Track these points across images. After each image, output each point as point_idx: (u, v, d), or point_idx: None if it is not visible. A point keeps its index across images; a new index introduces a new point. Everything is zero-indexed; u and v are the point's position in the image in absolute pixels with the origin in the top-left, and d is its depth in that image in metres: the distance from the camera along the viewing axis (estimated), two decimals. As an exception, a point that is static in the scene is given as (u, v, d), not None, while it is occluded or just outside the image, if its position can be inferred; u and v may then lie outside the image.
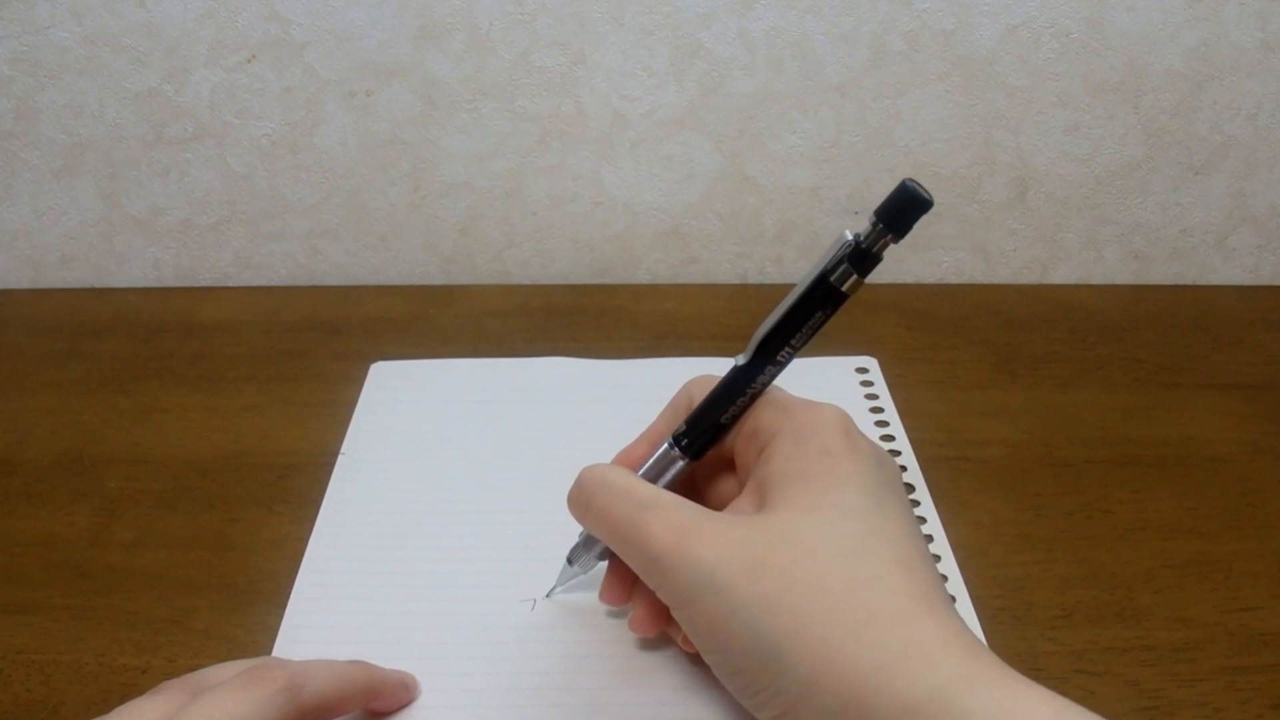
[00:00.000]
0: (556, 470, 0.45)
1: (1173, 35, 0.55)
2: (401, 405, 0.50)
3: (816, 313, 0.32)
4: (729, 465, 0.36)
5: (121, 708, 0.29)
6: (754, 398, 0.34)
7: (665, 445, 0.35)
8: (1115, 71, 0.56)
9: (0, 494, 0.45)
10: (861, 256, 0.30)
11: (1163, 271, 0.62)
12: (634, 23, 0.55)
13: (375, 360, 0.53)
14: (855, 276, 0.31)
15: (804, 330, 0.32)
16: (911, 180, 0.29)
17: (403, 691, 0.35)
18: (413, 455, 0.47)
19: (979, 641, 0.28)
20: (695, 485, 0.37)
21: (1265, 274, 0.62)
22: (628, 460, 0.36)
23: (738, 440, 0.34)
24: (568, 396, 0.50)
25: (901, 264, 0.61)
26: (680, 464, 0.35)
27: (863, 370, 0.51)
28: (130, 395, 0.52)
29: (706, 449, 0.35)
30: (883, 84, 0.56)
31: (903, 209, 0.29)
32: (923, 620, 0.27)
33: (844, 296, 0.31)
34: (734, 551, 0.29)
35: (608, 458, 0.43)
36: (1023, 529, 0.43)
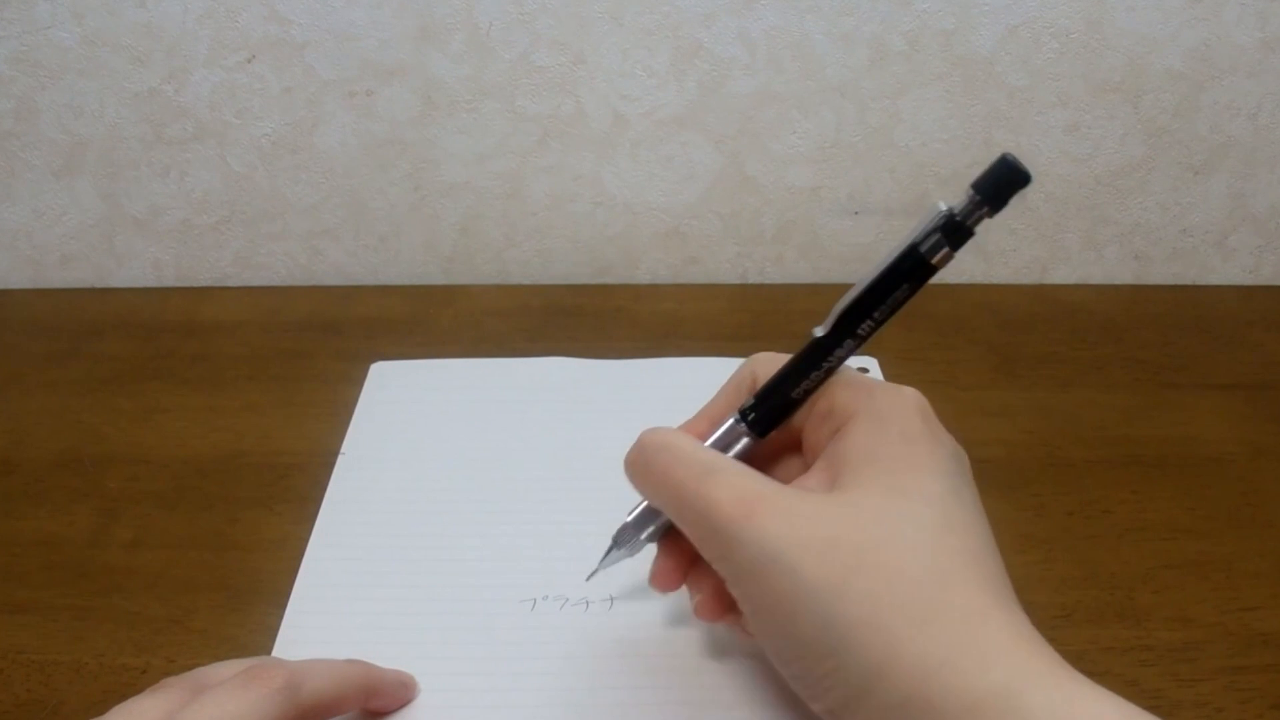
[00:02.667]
0: (557, 470, 0.46)
1: (1173, 35, 0.55)
2: (401, 405, 0.50)
3: (903, 284, 0.30)
4: (792, 448, 0.34)
5: (121, 705, 0.29)
6: (829, 372, 0.32)
7: (732, 419, 0.33)
8: (1115, 71, 0.56)
9: (0, 494, 0.45)
10: (954, 229, 0.29)
11: (1163, 271, 0.62)
12: (634, 23, 0.55)
13: (375, 360, 0.53)
14: (947, 249, 0.29)
15: (888, 303, 0.30)
16: (1011, 154, 0.28)
17: (401, 691, 0.35)
18: (413, 455, 0.47)
19: (1043, 641, 0.27)
20: (756, 467, 0.34)
21: (1265, 274, 0.62)
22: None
23: (809, 419, 0.33)
24: (568, 396, 0.50)
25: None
26: (746, 440, 0.33)
27: (863, 370, 0.51)
28: (130, 395, 0.52)
29: (775, 424, 0.33)
30: (883, 84, 0.56)
31: (1003, 182, 0.29)
32: (992, 616, 0.26)
33: (932, 270, 0.30)
34: (806, 527, 0.28)
35: (607, 458, 0.43)
36: (1023, 529, 0.43)
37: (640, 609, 0.38)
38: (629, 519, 0.35)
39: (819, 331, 0.32)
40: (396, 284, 0.62)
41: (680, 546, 0.33)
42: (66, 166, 0.59)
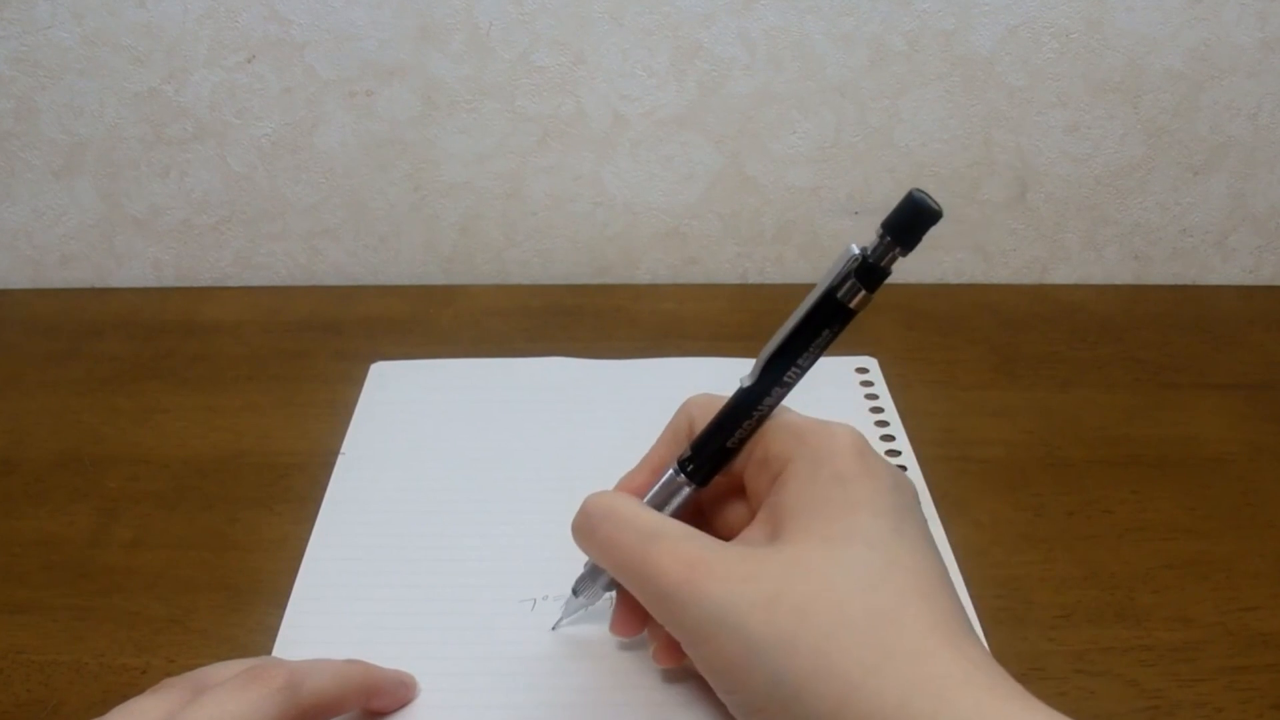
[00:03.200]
0: (556, 470, 0.46)
1: (1173, 35, 0.55)
2: (401, 405, 0.50)
3: (824, 331, 0.30)
4: (738, 491, 0.34)
5: (122, 706, 0.29)
6: (761, 420, 0.32)
7: (670, 471, 0.33)
8: (1115, 71, 0.56)
9: (0, 494, 0.45)
10: (869, 271, 0.29)
11: (1163, 271, 0.62)
12: (634, 23, 0.55)
13: (375, 360, 0.53)
14: (863, 293, 0.30)
15: (811, 349, 0.31)
16: (919, 190, 0.28)
17: (401, 690, 0.35)
18: (413, 455, 0.47)
19: (1000, 672, 0.27)
20: (702, 512, 0.35)
21: (1265, 274, 0.62)
22: (630, 488, 0.35)
23: (748, 466, 0.33)
24: (568, 396, 0.50)
25: (901, 264, 0.61)
26: (687, 490, 0.33)
27: (863, 370, 0.51)
28: (130, 395, 0.52)
29: (714, 475, 0.33)
30: (883, 84, 0.56)
31: (911, 221, 0.28)
32: (943, 653, 0.26)
33: (852, 313, 0.30)
34: (747, 587, 0.28)
35: (607, 458, 0.43)
36: (1023, 529, 0.43)
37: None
38: (584, 570, 0.36)
39: (745, 381, 0.32)
40: (396, 284, 0.62)
41: None
42: (66, 166, 0.59)
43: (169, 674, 0.31)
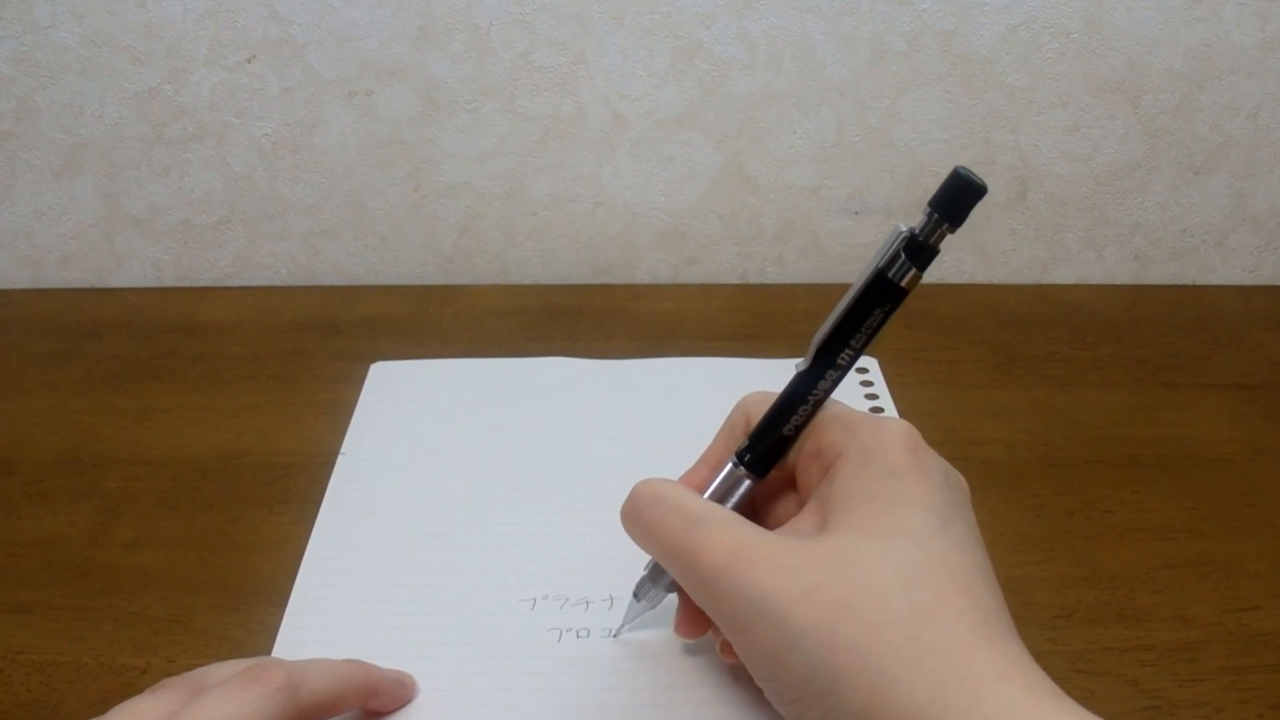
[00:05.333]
0: (556, 470, 0.46)
1: (1173, 35, 0.55)
2: (401, 405, 0.50)
3: (875, 311, 0.30)
4: (790, 486, 0.34)
5: (121, 705, 0.29)
6: (817, 405, 0.32)
7: (730, 464, 0.33)
8: (1115, 71, 0.56)
9: (0, 494, 0.45)
10: (918, 249, 0.29)
11: (1163, 271, 0.62)
12: (634, 23, 0.55)
13: (375, 360, 0.53)
14: (914, 271, 0.30)
15: (863, 330, 0.31)
16: (963, 168, 0.28)
17: (400, 690, 0.35)
18: (413, 455, 0.47)
19: (1038, 672, 0.27)
20: (755, 508, 0.35)
21: (1265, 274, 0.62)
22: (691, 485, 0.34)
23: (800, 459, 0.33)
24: (568, 396, 0.50)
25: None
26: (747, 483, 0.33)
27: (863, 370, 0.51)
28: (130, 395, 0.52)
29: (772, 464, 0.33)
30: (883, 84, 0.56)
31: (957, 197, 0.28)
32: (980, 652, 0.26)
33: (903, 293, 0.30)
34: (788, 578, 0.28)
35: (607, 458, 0.43)
36: (1023, 529, 0.43)
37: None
38: (645, 573, 0.35)
39: (800, 365, 0.32)
40: (396, 284, 0.62)
41: None
42: (66, 166, 0.59)
43: (169, 674, 0.31)
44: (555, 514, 0.43)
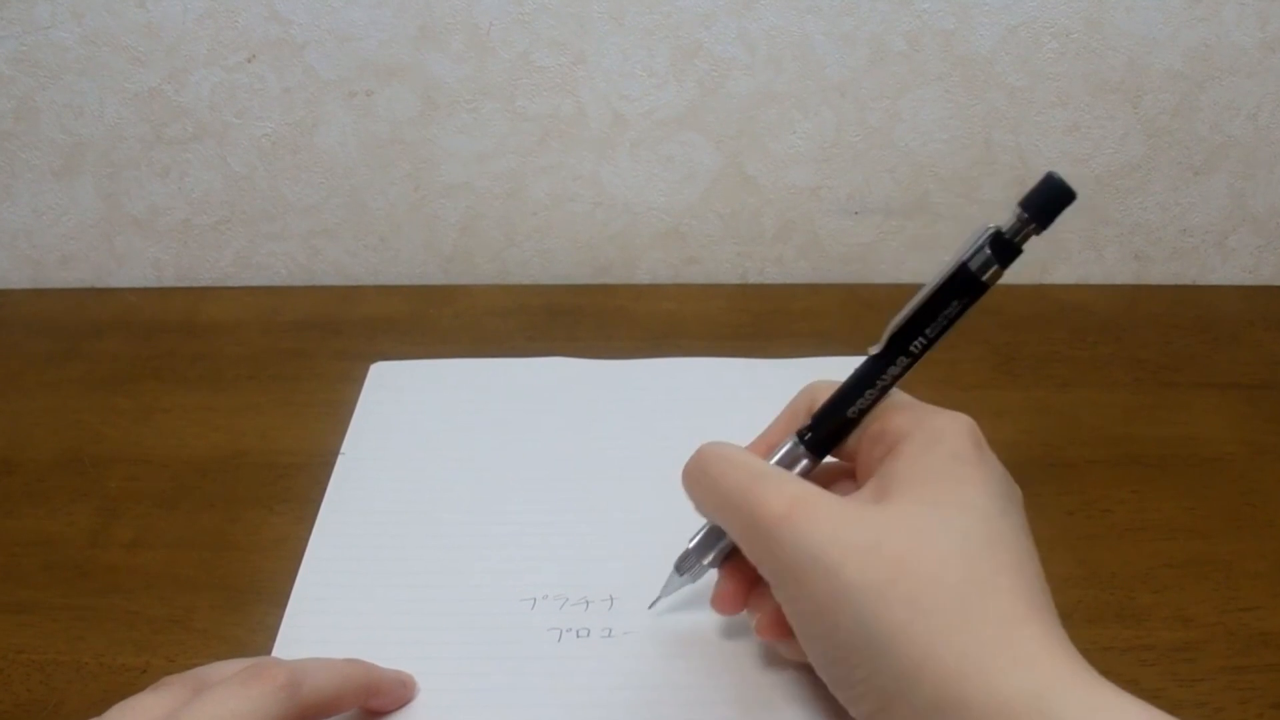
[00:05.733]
0: (556, 469, 0.46)
1: (1173, 35, 0.55)
2: (401, 405, 0.50)
3: (953, 302, 0.31)
4: (847, 475, 0.35)
5: (122, 704, 0.29)
6: (884, 390, 0.33)
7: (791, 442, 0.34)
8: (1115, 71, 0.56)
9: (0, 494, 0.45)
10: (1004, 246, 0.30)
11: (1163, 271, 0.62)
12: (634, 23, 0.55)
13: (375, 360, 0.53)
14: (996, 267, 0.30)
15: (939, 320, 0.31)
16: (1055, 173, 0.29)
17: (401, 689, 0.35)
18: (413, 455, 0.47)
19: (1076, 652, 0.27)
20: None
21: (1265, 274, 0.62)
22: None
23: (862, 441, 0.33)
24: (568, 396, 0.50)
25: (902, 264, 0.61)
26: (805, 462, 0.34)
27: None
28: (130, 395, 0.52)
29: (833, 445, 0.34)
30: (883, 84, 0.56)
31: (1049, 200, 0.29)
32: (1029, 623, 0.27)
33: (984, 287, 0.31)
34: (849, 531, 0.28)
35: (606, 458, 0.43)
36: (1023, 529, 0.43)
37: (640, 608, 0.38)
38: (690, 545, 0.35)
39: (873, 350, 0.32)
40: (396, 284, 0.62)
41: (741, 571, 0.33)
42: (66, 166, 0.59)
43: (169, 674, 0.31)
44: (555, 514, 0.43)
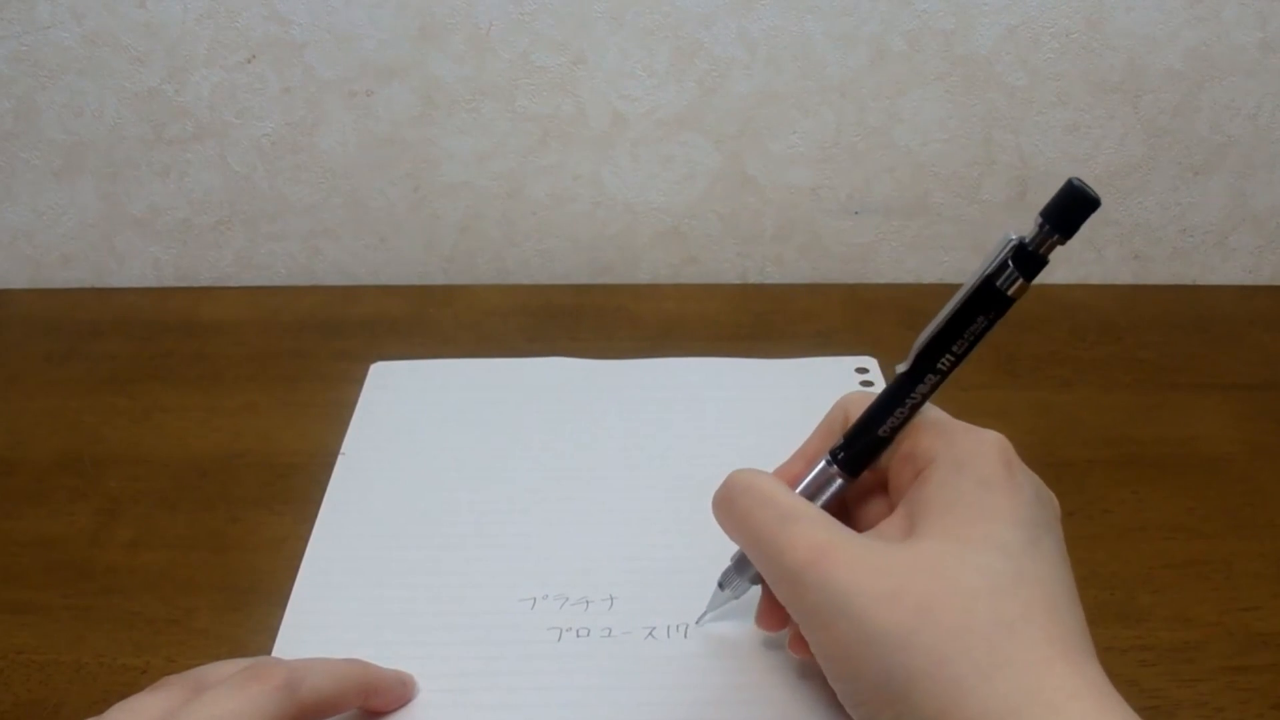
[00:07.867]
0: (556, 470, 0.46)
1: (1173, 35, 0.55)
2: (401, 405, 0.50)
3: (979, 318, 0.30)
4: (882, 488, 0.34)
5: (122, 703, 0.29)
6: (914, 409, 0.32)
7: (823, 462, 0.33)
8: (1115, 71, 0.56)
9: (0, 494, 0.45)
10: (1027, 258, 0.29)
11: (1163, 271, 0.62)
12: (634, 23, 0.55)
13: (375, 360, 0.53)
14: (1021, 280, 0.30)
15: (966, 336, 0.31)
16: (1077, 179, 0.28)
17: (400, 689, 0.35)
18: (413, 455, 0.47)
19: (1114, 694, 0.27)
20: (846, 507, 0.35)
21: (1265, 274, 0.62)
22: (784, 478, 0.34)
23: (893, 461, 0.33)
24: (568, 396, 0.50)
25: (902, 264, 0.61)
26: (839, 483, 0.33)
27: (863, 370, 0.51)
28: (130, 395, 0.52)
29: (865, 465, 0.33)
30: (883, 84, 0.56)
31: (1070, 208, 0.28)
32: (1057, 667, 0.26)
33: (1010, 301, 0.30)
34: (872, 579, 0.28)
35: (606, 458, 0.43)
36: (1023, 529, 0.43)
37: (640, 608, 0.38)
38: (731, 563, 0.36)
39: (901, 368, 0.32)
40: (396, 284, 0.62)
41: None
42: (66, 166, 0.59)
43: (169, 674, 0.31)
44: (555, 514, 0.43)
